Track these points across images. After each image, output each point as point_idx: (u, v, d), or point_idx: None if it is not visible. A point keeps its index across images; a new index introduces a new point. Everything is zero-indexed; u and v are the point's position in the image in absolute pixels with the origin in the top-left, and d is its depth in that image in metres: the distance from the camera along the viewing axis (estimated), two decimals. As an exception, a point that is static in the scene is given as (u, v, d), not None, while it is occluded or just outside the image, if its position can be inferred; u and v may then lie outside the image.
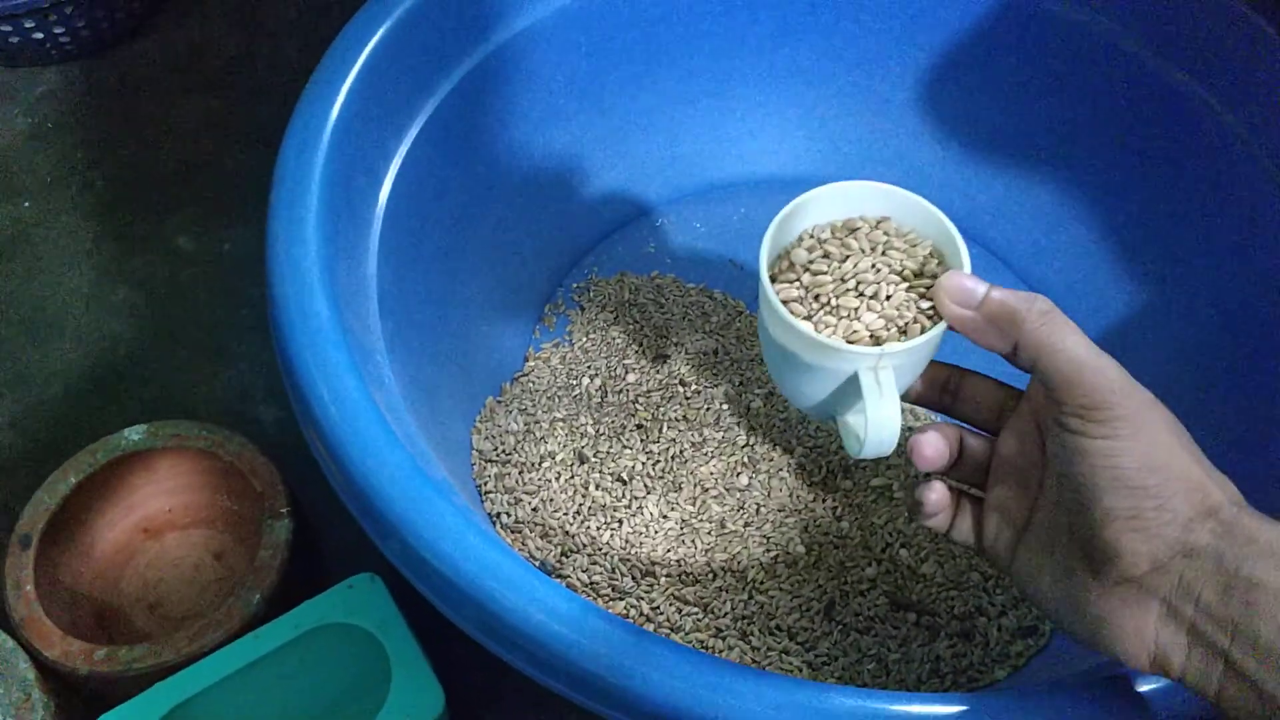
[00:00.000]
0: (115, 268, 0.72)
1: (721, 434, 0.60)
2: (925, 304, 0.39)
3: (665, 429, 0.60)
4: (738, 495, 0.58)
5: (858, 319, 0.39)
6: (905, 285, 0.40)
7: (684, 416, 0.61)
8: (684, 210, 0.74)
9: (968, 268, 0.39)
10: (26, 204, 0.75)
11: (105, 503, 0.56)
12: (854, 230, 0.42)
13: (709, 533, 0.56)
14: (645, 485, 0.58)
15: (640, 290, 0.69)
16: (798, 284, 0.41)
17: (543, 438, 0.60)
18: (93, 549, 0.56)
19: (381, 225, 0.55)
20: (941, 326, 0.39)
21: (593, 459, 0.59)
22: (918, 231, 0.42)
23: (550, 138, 0.68)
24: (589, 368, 0.65)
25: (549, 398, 0.63)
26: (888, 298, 0.39)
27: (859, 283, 0.40)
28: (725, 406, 0.61)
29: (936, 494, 0.40)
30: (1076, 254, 0.67)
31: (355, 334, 0.48)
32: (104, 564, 0.56)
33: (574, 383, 0.64)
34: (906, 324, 0.39)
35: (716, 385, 0.62)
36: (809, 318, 0.40)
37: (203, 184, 0.77)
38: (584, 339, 0.66)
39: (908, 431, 0.57)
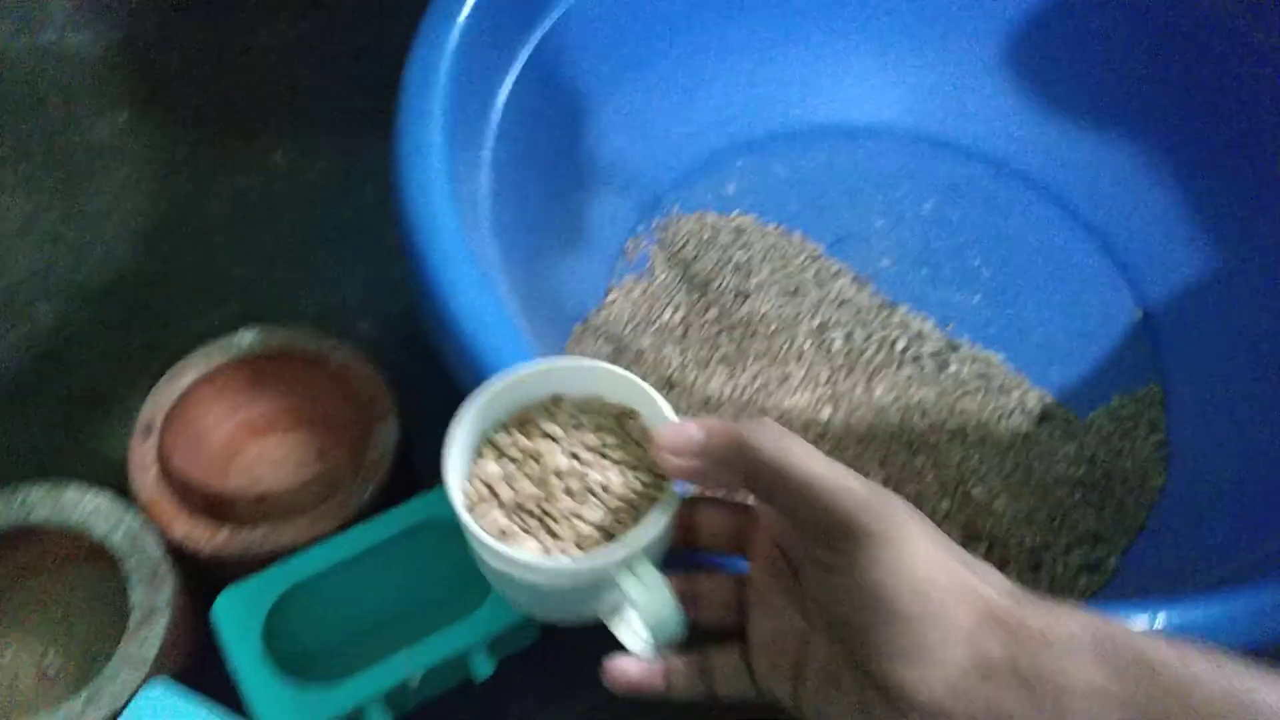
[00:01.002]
0: (210, 182, 0.74)
1: (804, 370, 0.62)
2: (644, 474, 0.36)
3: (750, 363, 0.63)
4: (819, 428, 0.60)
5: (582, 520, 0.35)
6: (613, 463, 0.36)
7: (767, 352, 0.63)
8: (764, 154, 0.76)
9: (669, 412, 0.36)
10: (123, 117, 0.78)
11: (215, 402, 0.58)
12: (527, 423, 0.38)
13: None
14: (732, 414, 0.60)
15: (720, 230, 0.71)
16: (501, 507, 0.36)
17: (629, 365, 0.63)
18: (202, 444, 0.59)
19: (493, 148, 0.57)
20: (674, 490, 0.35)
21: (680, 386, 0.61)
22: (598, 396, 0.38)
23: (640, 74, 0.70)
24: (670, 302, 0.67)
25: (632, 328, 0.65)
26: (604, 488, 0.36)
27: (564, 480, 0.36)
28: (807, 343, 0.64)
29: (633, 669, 0.36)
30: (1156, 217, 0.69)
31: (478, 250, 0.50)
32: (212, 458, 0.59)
33: (655, 316, 0.66)
34: (635, 500, 0.36)
35: (797, 323, 0.65)
36: (527, 533, 0.36)
37: (296, 103, 0.79)
38: (664, 274, 0.69)
39: None
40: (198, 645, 0.53)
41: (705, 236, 0.71)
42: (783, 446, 0.32)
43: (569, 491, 0.36)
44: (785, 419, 0.61)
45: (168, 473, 0.54)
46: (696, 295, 0.67)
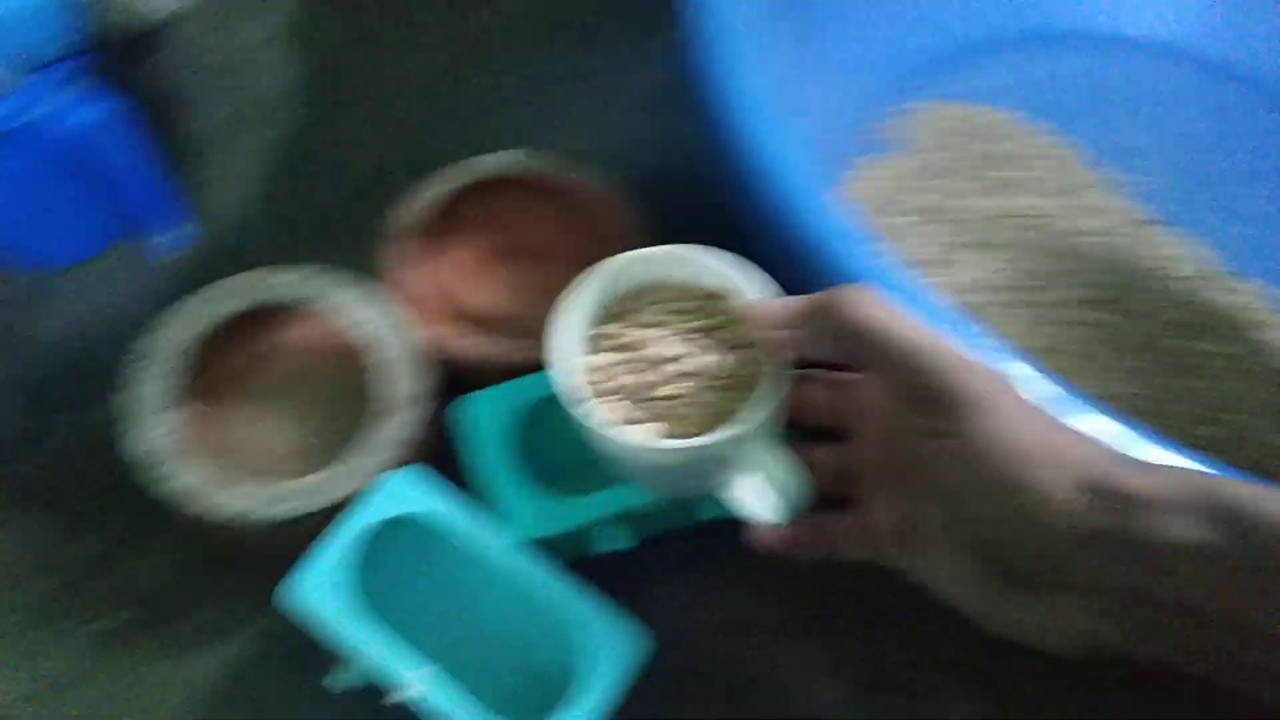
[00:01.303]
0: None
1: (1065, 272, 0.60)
2: (751, 352, 0.36)
3: (1007, 257, 0.60)
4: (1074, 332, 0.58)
5: (695, 402, 0.36)
6: (717, 343, 0.37)
7: (1022, 245, 0.61)
8: (1024, 52, 0.72)
9: (760, 289, 0.36)
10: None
11: (471, 215, 0.59)
12: (630, 313, 0.39)
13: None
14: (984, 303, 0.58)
15: (981, 122, 0.68)
16: (614, 396, 0.37)
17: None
18: (453, 254, 0.59)
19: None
20: (786, 362, 0.35)
21: (930, 270, 0.59)
22: (696, 280, 0.39)
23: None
24: (917, 185, 0.65)
25: (876, 207, 0.63)
26: (712, 369, 0.36)
27: (673, 365, 0.37)
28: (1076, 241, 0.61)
29: (766, 534, 0.37)
30: None
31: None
32: (462, 271, 0.60)
33: (901, 199, 0.64)
34: (745, 378, 0.36)
35: (1058, 226, 0.62)
36: (642, 419, 0.37)
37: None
38: (914, 159, 0.66)
39: None
40: (437, 448, 0.54)
41: (964, 127, 0.68)
42: (873, 311, 0.32)
43: (678, 375, 0.36)
44: (1040, 320, 0.58)
45: (419, 280, 0.55)
46: (949, 183, 0.64)
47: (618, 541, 0.49)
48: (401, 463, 0.49)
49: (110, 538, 0.54)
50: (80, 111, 0.49)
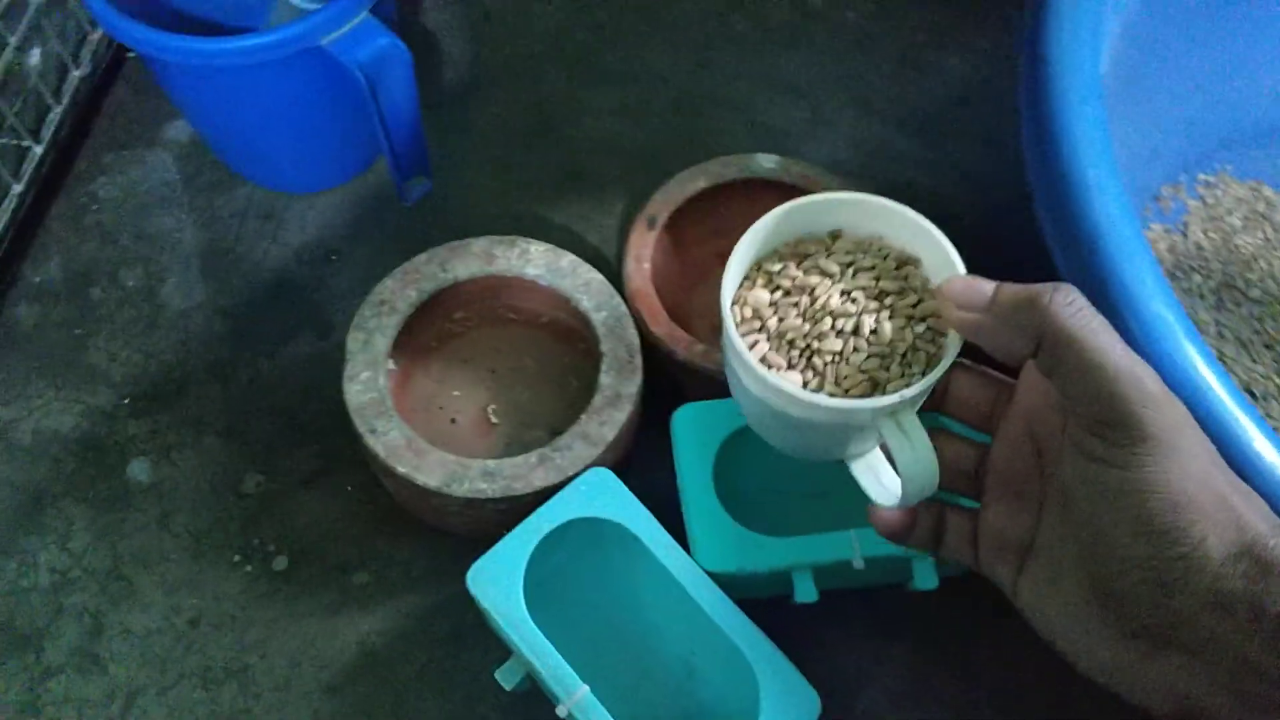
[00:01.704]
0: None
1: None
2: (918, 325, 0.34)
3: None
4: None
5: (846, 362, 0.34)
6: (885, 308, 0.34)
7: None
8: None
9: (960, 264, 0.34)
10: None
11: (709, 215, 0.56)
12: (803, 256, 0.36)
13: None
14: (1274, 408, 0.51)
15: (1268, 197, 0.61)
16: (766, 334, 0.35)
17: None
18: (683, 254, 0.57)
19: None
20: (954, 346, 0.33)
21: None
22: (880, 237, 0.36)
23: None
24: (1202, 265, 0.58)
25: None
26: (872, 331, 0.34)
27: (834, 319, 0.34)
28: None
29: (887, 516, 0.36)
30: None
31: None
32: (684, 270, 0.57)
33: (1181, 275, 0.58)
34: (906, 351, 0.34)
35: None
36: (790, 366, 0.34)
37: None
38: (1200, 235, 0.60)
39: None
40: (634, 449, 0.52)
41: (1259, 209, 0.61)
42: (1084, 320, 0.30)
43: (837, 331, 0.34)
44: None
45: (654, 272, 0.53)
46: (1237, 269, 0.58)
47: (806, 594, 0.45)
48: (606, 461, 0.47)
49: (291, 478, 0.53)
50: (369, 43, 0.49)
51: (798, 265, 0.36)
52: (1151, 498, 0.28)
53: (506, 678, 0.44)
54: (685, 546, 0.45)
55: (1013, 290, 0.32)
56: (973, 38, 0.69)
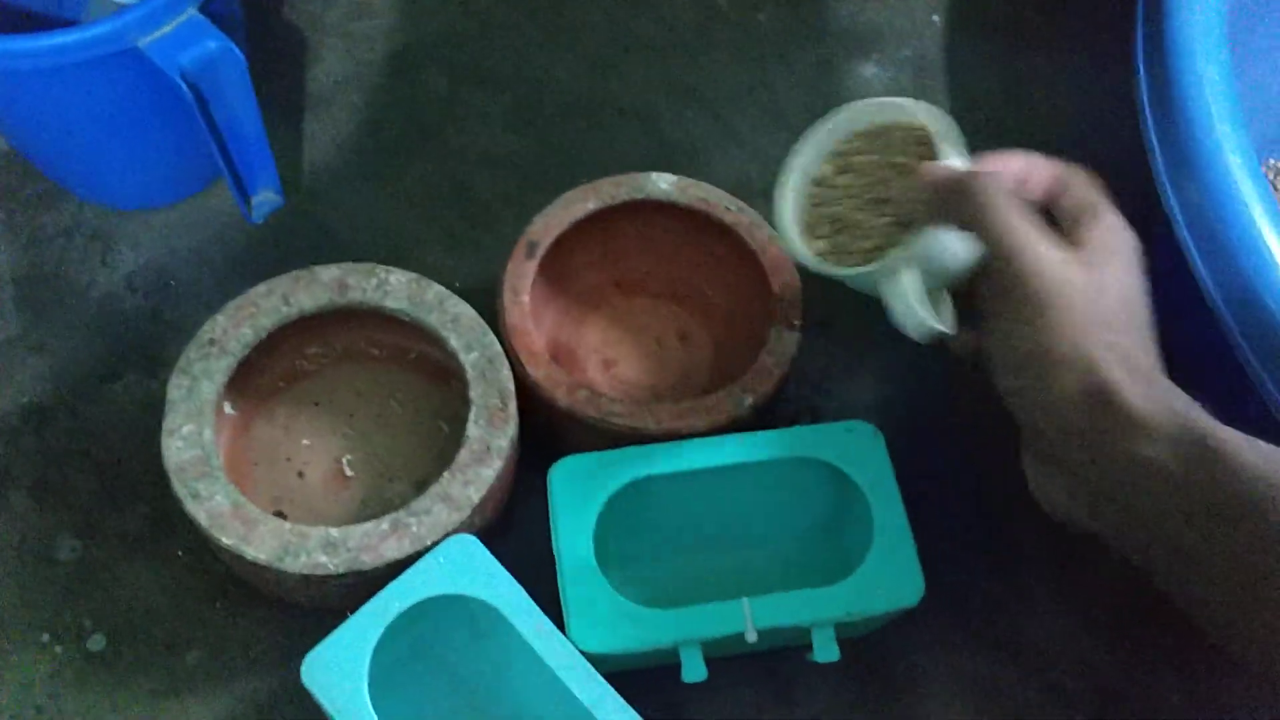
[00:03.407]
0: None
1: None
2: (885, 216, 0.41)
3: None
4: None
5: (868, 233, 0.41)
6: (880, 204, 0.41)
7: None
8: None
9: (950, 155, 0.38)
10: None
11: (597, 240, 0.51)
12: (839, 155, 0.43)
13: None
14: None
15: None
16: (821, 223, 0.42)
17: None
18: (570, 282, 0.51)
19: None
20: (933, 230, 0.38)
21: None
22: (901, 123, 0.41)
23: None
24: None
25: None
26: (892, 211, 0.40)
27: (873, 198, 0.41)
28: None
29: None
30: None
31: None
32: (574, 302, 0.52)
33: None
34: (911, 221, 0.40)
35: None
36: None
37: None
38: None
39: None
40: (512, 505, 0.46)
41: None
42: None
43: (871, 201, 0.41)
44: None
45: (534, 305, 0.47)
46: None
47: (694, 672, 0.40)
48: (472, 526, 0.41)
49: (113, 542, 0.46)
50: (195, 46, 0.43)
51: (834, 168, 0.43)
52: (1015, 345, 0.35)
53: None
54: (561, 621, 0.40)
55: (953, 174, 0.37)
56: (893, 45, 0.64)
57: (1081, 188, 0.38)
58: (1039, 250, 0.35)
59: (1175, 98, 0.42)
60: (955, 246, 0.38)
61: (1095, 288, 0.35)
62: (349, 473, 0.47)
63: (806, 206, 0.43)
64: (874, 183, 0.41)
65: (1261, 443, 0.32)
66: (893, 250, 0.39)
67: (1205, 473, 0.31)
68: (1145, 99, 0.44)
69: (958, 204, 0.36)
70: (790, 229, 0.42)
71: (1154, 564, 0.34)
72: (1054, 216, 0.38)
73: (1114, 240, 0.36)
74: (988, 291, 0.37)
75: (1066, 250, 0.35)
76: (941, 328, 0.39)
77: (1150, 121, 0.43)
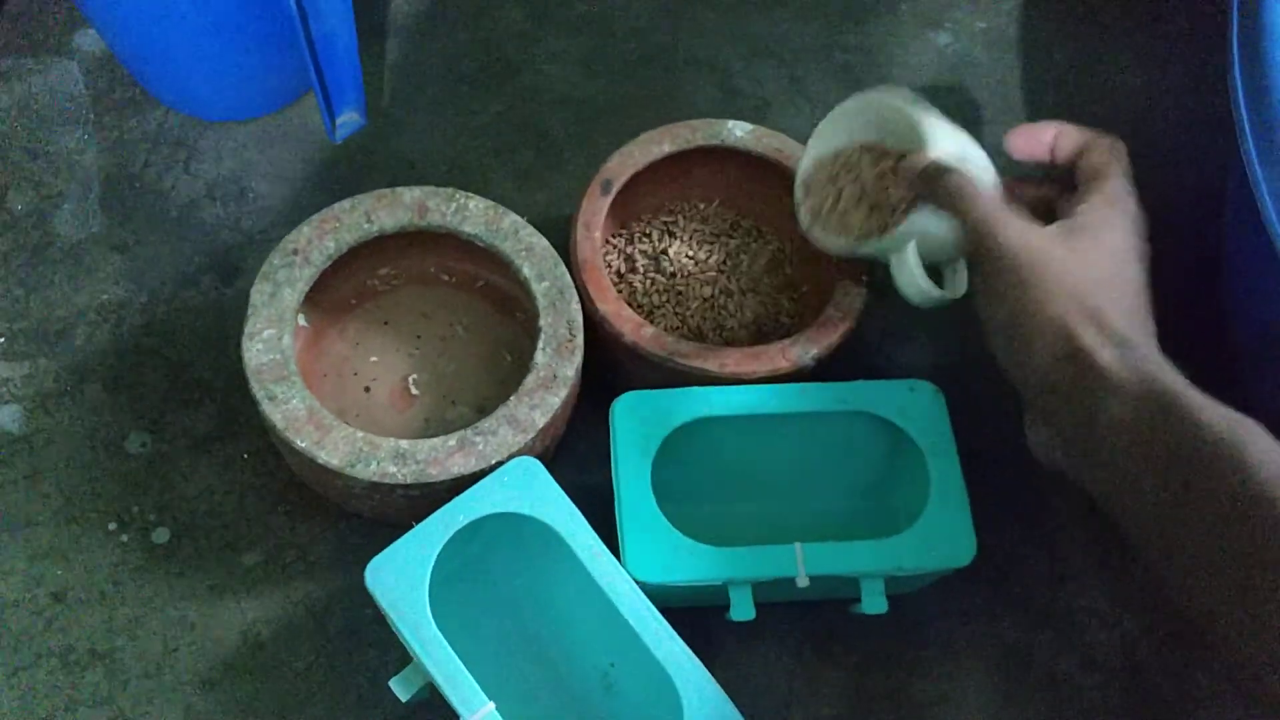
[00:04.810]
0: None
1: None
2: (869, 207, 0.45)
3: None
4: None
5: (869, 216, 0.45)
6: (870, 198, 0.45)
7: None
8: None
9: (932, 149, 0.41)
10: None
11: (671, 181, 0.51)
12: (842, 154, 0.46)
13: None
14: None
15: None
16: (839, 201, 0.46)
17: None
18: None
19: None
20: (920, 211, 0.42)
21: None
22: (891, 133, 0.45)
23: None
24: None
25: None
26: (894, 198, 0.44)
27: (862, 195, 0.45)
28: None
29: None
30: None
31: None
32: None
33: None
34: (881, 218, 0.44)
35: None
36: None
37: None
38: None
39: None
40: (568, 437, 0.47)
41: None
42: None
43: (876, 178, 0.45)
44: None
45: (616, 240, 0.48)
46: None
47: (742, 611, 0.41)
48: (534, 450, 0.42)
49: (180, 441, 0.47)
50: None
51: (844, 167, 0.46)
52: (1000, 312, 0.38)
53: (403, 687, 0.39)
54: (616, 550, 0.41)
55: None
56: (968, 17, 0.64)
57: (1098, 152, 0.41)
58: (1009, 231, 0.38)
59: (1271, 86, 0.42)
60: (944, 223, 0.42)
61: (1074, 259, 0.38)
62: (414, 391, 0.48)
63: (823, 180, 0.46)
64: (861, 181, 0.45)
65: (1222, 405, 0.34)
66: (898, 228, 0.42)
67: (1168, 430, 0.34)
68: (1239, 86, 0.44)
69: (934, 191, 0.40)
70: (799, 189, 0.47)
71: (1133, 522, 0.36)
72: (1075, 178, 0.41)
73: (1108, 211, 0.39)
74: (975, 268, 0.41)
75: (1041, 227, 0.39)
76: (935, 292, 0.42)
77: (1244, 108, 0.43)
